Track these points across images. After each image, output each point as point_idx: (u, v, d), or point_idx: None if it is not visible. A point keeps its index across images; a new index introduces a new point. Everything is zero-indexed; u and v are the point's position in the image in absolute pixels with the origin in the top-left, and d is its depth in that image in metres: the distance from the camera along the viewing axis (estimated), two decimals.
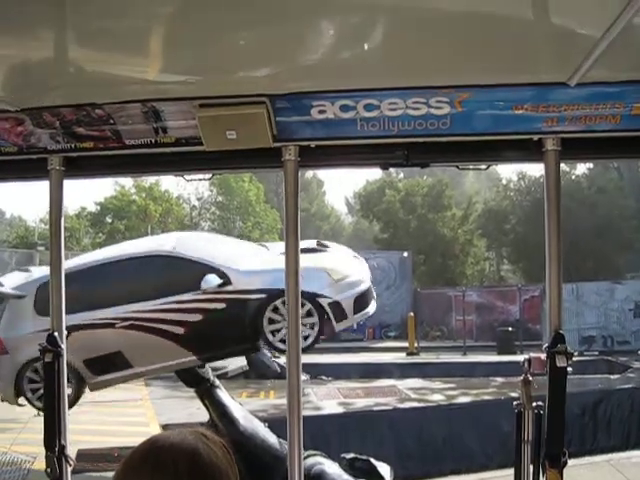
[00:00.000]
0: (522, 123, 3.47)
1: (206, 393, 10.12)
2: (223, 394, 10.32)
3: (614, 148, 3.69)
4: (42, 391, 10.12)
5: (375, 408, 16.93)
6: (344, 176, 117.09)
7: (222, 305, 10.18)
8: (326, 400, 17.96)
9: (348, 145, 3.75)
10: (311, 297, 10.32)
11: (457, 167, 4.10)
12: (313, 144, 3.76)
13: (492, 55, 3.04)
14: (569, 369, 3.47)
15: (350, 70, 3.20)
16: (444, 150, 3.75)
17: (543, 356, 3.53)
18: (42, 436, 3.85)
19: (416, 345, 31.78)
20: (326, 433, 13.73)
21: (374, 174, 61.44)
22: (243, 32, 2.80)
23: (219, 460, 1.67)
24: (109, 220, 51.72)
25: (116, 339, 10.41)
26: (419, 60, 3.12)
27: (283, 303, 8.82)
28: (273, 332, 10.13)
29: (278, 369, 17.16)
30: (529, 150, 3.65)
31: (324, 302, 10.66)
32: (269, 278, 9.86)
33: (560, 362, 3.44)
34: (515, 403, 3.66)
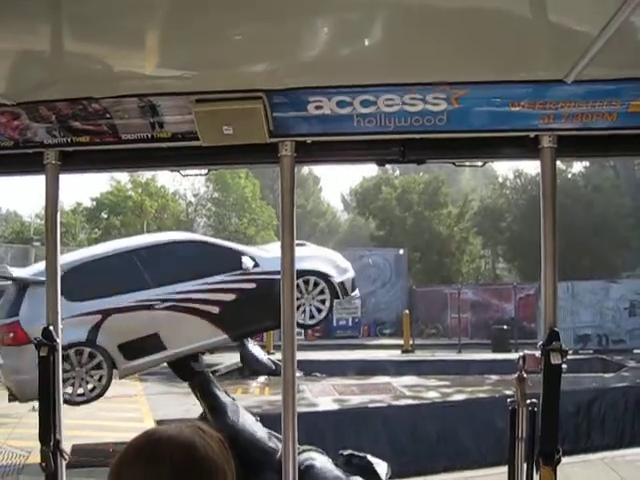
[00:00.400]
0: (518, 120, 3.47)
1: (199, 386, 10.54)
2: (215, 387, 10.72)
3: (610, 146, 3.69)
4: (72, 382, 10.16)
5: (370, 405, 16.95)
6: (340, 173, 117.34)
7: (253, 285, 10.85)
8: (321, 397, 17.97)
9: (344, 141, 3.75)
10: (324, 277, 11.57)
11: (453, 164, 4.10)
12: (309, 140, 3.75)
13: (489, 52, 3.04)
14: (563, 367, 3.48)
15: (347, 66, 3.20)
16: (440, 146, 3.75)
17: (538, 354, 3.53)
18: (37, 431, 3.85)
19: (411, 342, 31.78)
20: (321, 429, 13.73)
21: (370, 171, 61.52)
22: (240, 27, 2.79)
23: (215, 454, 1.67)
24: (105, 216, 51.70)
25: (153, 321, 10.70)
26: (416, 56, 3.12)
27: (304, 282, 11.02)
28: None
29: (273, 366, 17.17)
30: (525, 147, 3.65)
31: (335, 281, 11.80)
32: None
33: (555, 359, 3.44)
34: (509, 400, 3.66)
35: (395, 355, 29.80)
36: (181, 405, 16.06)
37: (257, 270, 10.98)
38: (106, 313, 10.47)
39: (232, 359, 20.19)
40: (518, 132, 3.59)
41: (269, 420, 11.51)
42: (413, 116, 3.49)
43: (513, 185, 52.17)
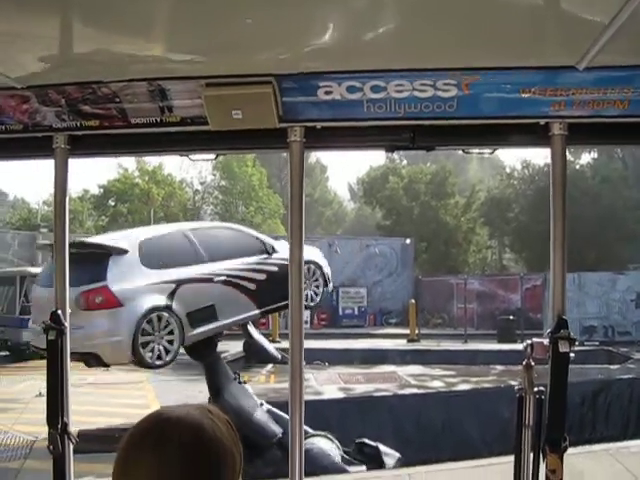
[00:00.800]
0: (529, 107, 3.45)
1: (210, 366, 12.22)
2: (224, 370, 12.34)
3: (621, 134, 3.66)
4: (152, 346, 10.96)
5: (375, 394, 16.98)
6: (347, 162, 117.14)
7: (275, 268, 12.06)
8: (326, 385, 18.02)
9: (354, 127, 3.73)
10: (319, 267, 13.60)
11: (463, 150, 4.08)
12: (319, 125, 3.73)
13: (501, 38, 3.02)
14: (572, 355, 3.47)
15: (357, 51, 3.19)
16: (450, 133, 3.72)
17: (546, 341, 3.53)
18: (44, 416, 3.86)
19: (417, 332, 31.86)
20: (326, 417, 13.76)
21: (377, 160, 61.47)
22: (251, 11, 2.78)
23: (223, 436, 1.67)
24: (112, 203, 51.90)
25: (211, 293, 11.86)
26: (427, 42, 3.10)
27: (306, 269, 12.53)
28: None
29: (278, 355, 17.26)
30: (535, 134, 3.63)
31: (325, 272, 13.72)
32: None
33: (563, 347, 3.43)
34: (516, 387, 3.65)
35: (401, 344, 29.85)
36: (185, 391, 16.13)
37: (277, 256, 12.32)
38: (179, 283, 11.53)
39: (237, 347, 20.23)
40: (528, 119, 3.57)
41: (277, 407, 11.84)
42: (423, 102, 3.47)
43: (521, 175, 52.12)
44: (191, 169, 57.98)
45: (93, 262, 11.31)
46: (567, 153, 3.76)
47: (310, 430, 12.75)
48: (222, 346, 20.44)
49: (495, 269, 57.30)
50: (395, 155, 63.36)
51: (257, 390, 15.29)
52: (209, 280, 11.85)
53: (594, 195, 43.23)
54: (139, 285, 11.37)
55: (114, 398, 16.04)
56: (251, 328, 15.98)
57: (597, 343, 29.04)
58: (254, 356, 18.28)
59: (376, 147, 4.11)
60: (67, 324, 3.93)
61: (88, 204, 49.99)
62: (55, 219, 4.08)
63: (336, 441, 13.05)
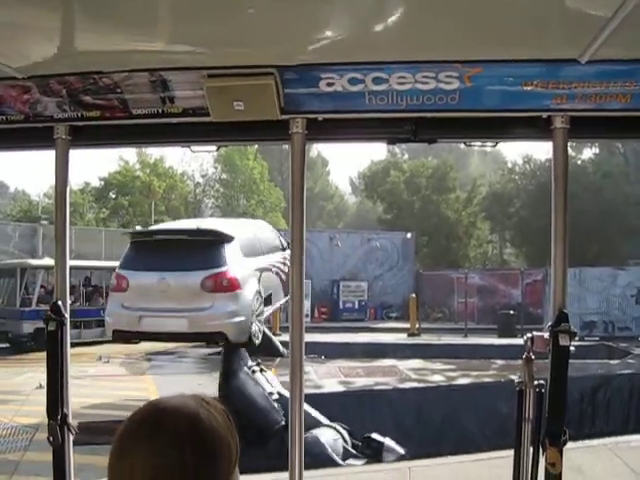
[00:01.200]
0: (531, 100, 3.44)
1: (227, 350, 13.06)
2: (238, 356, 13.09)
3: (623, 127, 3.65)
4: (254, 327, 12.61)
5: (375, 387, 16.99)
6: (349, 156, 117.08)
7: None
8: (326, 379, 18.03)
9: (356, 119, 3.72)
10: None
11: (465, 144, 4.07)
12: (321, 117, 3.72)
13: (503, 30, 3.01)
14: (572, 349, 3.47)
15: (359, 43, 3.18)
16: (452, 126, 3.71)
17: (546, 335, 3.52)
18: (44, 408, 3.86)
19: (417, 326, 31.89)
20: (325, 411, 13.78)
21: (379, 154, 61.53)
22: (253, 2, 2.77)
23: (219, 426, 1.66)
24: (113, 195, 51.91)
25: (272, 280, 13.64)
26: (429, 34, 3.09)
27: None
28: None
29: (285, 352, 17.36)
30: (537, 128, 3.62)
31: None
32: None
33: (563, 341, 3.43)
34: (516, 381, 3.65)
35: (401, 338, 29.87)
36: (185, 383, 16.16)
37: None
38: (261, 270, 13.21)
39: None
40: (530, 112, 3.56)
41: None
42: (425, 94, 3.46)
43: (522, 170, 52.14)
44: (192, 162, 58.11)
45: (211, 248, 12.46)
46: (569, 148, 3.75)
47: (325, 420, 12.95)
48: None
49: (496, 264, 57.33)
50: (396, 149, 63.43)
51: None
52: (269, 270, 13.54)
53: (595, 190, 43.21)
54: (246, 270, 12.62)
55: (114, 390, 16.06)
56: None
57: (597, 338, 29.05)
58: (259, 349, 18.44)
59: (377, 139, 4.10)
60: (67, 315, 3.91)
61: (89, 196, 49.96)
62: (56, 210, 4.07)
63: (345, 433, 13.17)
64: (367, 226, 56.91)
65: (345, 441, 12.98)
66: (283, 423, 11.84)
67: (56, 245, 4.07)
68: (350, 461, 12.34)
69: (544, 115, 3.57)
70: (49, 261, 25.18)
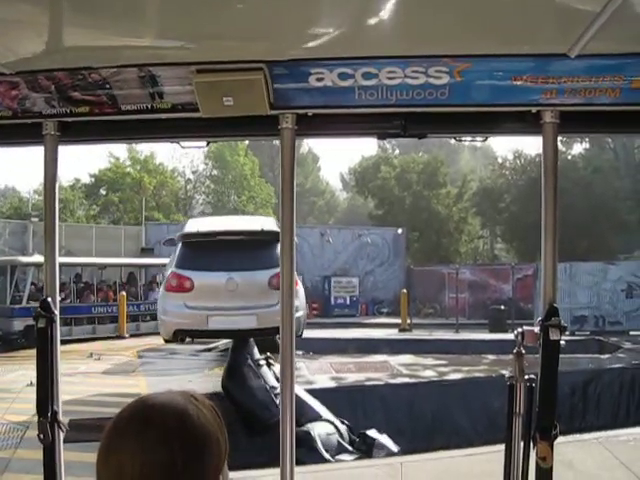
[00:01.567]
0: (521, 95, 3.44)
1: (235, 343, 13.46)
2: (245, 351, 13.30)
3: (613, 122, 3.66)
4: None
5: (367, 383, 17.00)
6: (339, 151, 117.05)
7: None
8: (318, 374, 18.03)
9: (345, 114, 3.72)
10: None
11: (455, 138, 4.08)
12: (310, 112, 3.72)
13: (493, 24, 3.01)
14: (562, 343, 3.48)
15: (349, 37, 3.17)
16: (442, 121, 3.71)
17: (536, 329, 3.53)
18: (34, 406, 3.85)
19: (409, 322, 31.93)
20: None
21: (369, 150, 61.58)
22: None
23: (208, 422, 1.65)
24: (103, 192, 51.71)
25: None
26: (419, 29, 3.09)
27: None
28: None
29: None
30: (527, 122, 3.62)
31: None
32: None
33: (553, 335, 3.44)
34: (507, 376, 3.66)
35: (392, 334, 29.89)
36: (177, 381, 16.13)
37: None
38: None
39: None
40: (520, 107, 3.56)
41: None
42: (415, 89, 3.46)
43: (512, 166, 52.18)
44: (183, 158, 57.98)
45: (271, 247, 12.52)
46: (559, 143, 3.75)
47: (329, 415, 13.03)
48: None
49: (487, 259, 57.40)
50: (387, 144, 63.44)
51: None
52: None
53: (585, 185, 43.30)
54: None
55: (104, 387, 16.02)
56: None
57: (588, 333, 29.13)
58: (261, 344, 18.56)
59: (367, 134, 4.10)
60: (57, 312, 3.90)
61: (79, 193, 49.77)
62: (45, 206, 4.05)
63: (343, 428, 13.23)
64: (358, 222, 56.91)
65: (341, 436, 13.02)
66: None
67: (45, 242, 4.06)
68: (341, 456, 12.37)
69: (534, 110, 3.57)
70: (39, 258, 24.86)
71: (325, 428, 12.90)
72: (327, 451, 12.23)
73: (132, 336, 27.22)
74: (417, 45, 3.26)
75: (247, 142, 52.34)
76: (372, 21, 2.97)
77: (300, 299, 13.09)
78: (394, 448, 12.87)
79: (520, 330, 3.63)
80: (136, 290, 30.94)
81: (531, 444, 3.52)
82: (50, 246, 4.03)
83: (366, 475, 10.20)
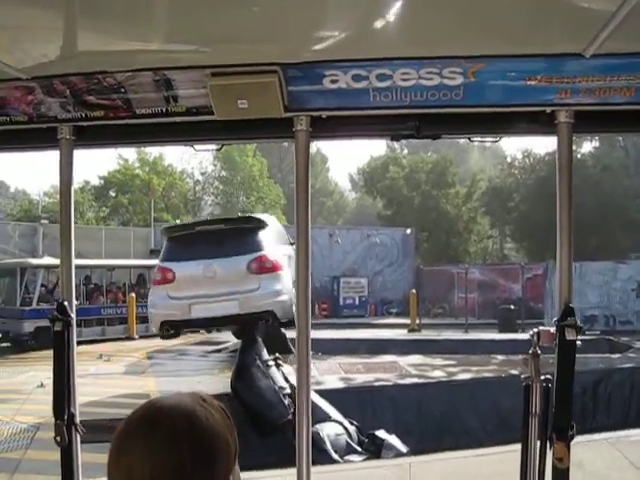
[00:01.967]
0: (535, 95, 3.44)
1: (243, 344, 13.67)
2: (253, 351, 13.48)
3: (628, 121, 3.65)
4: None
5: (375, 384, 16.98)
6: (348, 152, 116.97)
7: None
8: (327, 375, 18.02)
9: (360, 116, 3.72)
10: None
11: (469, 139, 4.07)
12: (325, 114, 3.72)
13: (507, 24, 3.00)
14: (578, 343, 3.47)
15: (363, 39, 3.17)
16: (456, 121, 3.71)
17: (552, 329, 3.53)
18: (45, 407, 3.86)
19: (418, 322, 31.88)
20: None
21: (378, 150, 61.53)
22: (256, 0, 2.77)
23: (217, 423, 1.66)
24: (113, 194, 51.83)
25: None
26: (433, 30, 3.08)
27: None
28: None
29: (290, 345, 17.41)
30: (541, 122, 3.62)
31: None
32: None
33: (570, 335, 3.44)
34: (523, 376, 3.66)
35: (402, 334, 29.85)
36: (186, 382, 16.15)
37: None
38: (289, 257, 13.53)
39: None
40: (534, 107, 3.56)
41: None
42: (429, 90, 3.46)
43: (522, 165, 52.03)
44: (192, 160, 58.10)
45: (250, 234, 13.17)
46: None
47: (338, 415, 13.03)
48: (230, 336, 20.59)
49: (497, 258, 57.31)
50: (396, 144, 63.37)
51: None
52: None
53: (595, 183, 43.16)
54: (281, 254, 13.33)
55: (114, 388, 16.06)
56: None
57: (598, 332, 29.03)
58: (269, 345, 18.49)
59: (382, 136, 4.11)
60: (74, 315, 3.91)
61: (89, 195, 49.89)
62: (61, 210, 4.07)
63: (352, 429, 13.24)
64: (367, 222, 56.86)
65: (350, 437, 13.03)
66: (290, 417, 11.91)
67: (62, 245, 4.07)
68: (350, 457, 12.39)
69: (548, 110, 3.57)
70: (49, 260, 25.14)
71: (334, 429, 12.93)
72: (336, 452, 12.27)
73: (141, 337, 27.24)
74: (431, 46, 3.26)
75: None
76: (385, 23, 2.97)
77: (284, 283, 13.24)
78: (403, 448, 12.87)
79: (536, 330, 3.63)
80: (145, 291, 30.95)
81: (547, 444, 3.51)
82: (66, 250, 4.04)
83: (374, 476, 10.20)
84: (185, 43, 3.28)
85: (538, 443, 3.61)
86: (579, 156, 49.47)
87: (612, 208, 42.64)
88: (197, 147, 4.32)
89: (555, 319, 3.51)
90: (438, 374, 18.46)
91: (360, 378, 17.81)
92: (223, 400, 1.79)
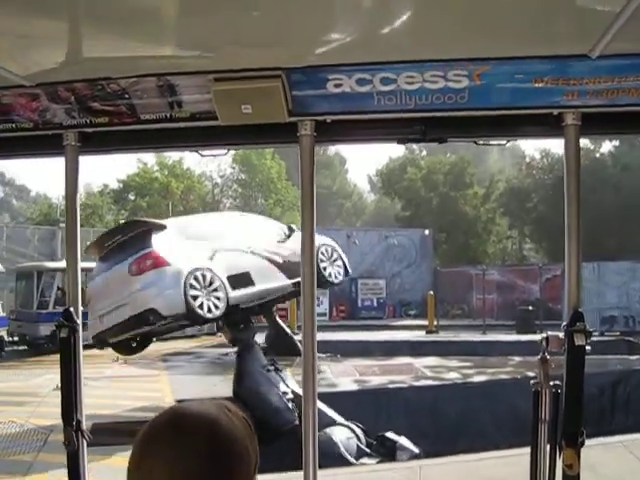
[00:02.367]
0: (542, 97, 3.40)
1: (240, 350, 13.73)
2: (252, 356, 13.58)
3: (636, 123, 3.60)
4: (204, 301, 13.21)
5: (390, 386, 16.96)
6: (366, 153, 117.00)
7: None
8: (342, 377, 18.02)
9: (364, 120, 3.70)
10: (335, 249, 16.03)
11: (475, 142, 4.03)
12: (329, 119, 3.71)
13: (512, 26, 2.97)
14: (588, 348, 3.43)
15: (367, 43, 3.15)
16: (461, 125, 3.68)
17: (561, 335, 3.49)
18: (59, 410, 3.89)
19: (435, 323, 31.79)
20: (340, 410, 13.78)
21: (396, 151, 61.44)
22: (259, 5, 2.76)
23: (239, 433, 1.66)
24: (132, 197, 52.11)
25: (247, 262, 14.10)
26: (437, 32, 3.06)
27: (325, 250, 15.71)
28: None
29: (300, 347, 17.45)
30: (548, 125, 3.58)
31: (344, 257, 16.24)
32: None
33: (578, 340, 3.40)
34: (532, 382, 3.61)
35: (419, 336, 29.77)
36: (201, 385, 16.21)
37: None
38: (214, 251, 13.79)
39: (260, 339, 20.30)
40: (541, 109, 3.52)
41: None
42: (434, 94, 3.43)
43: (540, 165, 51.78)
44: (210, 163, 58.25)
45: (138, 237, 13.17)
46: (587, 142, 3.70)
47: (341, 419, 13.00)
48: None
49: (515, 259, 57.00)
50: (414, 146, 63.27)
51: None
52: (236, 251, 14.07)
53: (614, 184, 42.86)
54: (181, 250, 13.23)
55: (130, 391, 16.14)
56: (278, 319, 16.72)
57: (617, 333, 28.83)
58: (277, 348, 18.48)
59: (387, 140, 4.07)
60: (79, 321, 3.92)
61: (108, 198, 50.20)
62: (66, 216, 4.09)
63: (359, 432, 13.21)
64: (385, 224, 56.79)
65: (359, 440, 13.04)
66: (296, 422, 11.92)
67: (67, 251, 4.08)
68: (363, 460, 12.39)
69: (555, 112, 3.53)
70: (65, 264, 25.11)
71: (343, 432, 12.95)
72: (349, 455, 12.28)
73: (157, 340, 27.39)
74: (435, 49, 3.23)
75: None
76: (389, 26, 2.95)
77: (170, 277, 13.09)
78: (415, 449, 12.85)
79: (545, 335, 3.59)
80: None
81: (557, 451, 3.47)
82: (72, 255, 4.06)
83: (385, 479, 10.20)
84: (188, 48, 3.28)
85: (548, 449, 3.57)
86: (597, 156, 49.17)
87: (631, 208, 42.28)
88: (203, 152, 4.32)
89: (564, 324, 3.47)
90: (454, 376, 18.43)
91: (375, 380, 17.82)
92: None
